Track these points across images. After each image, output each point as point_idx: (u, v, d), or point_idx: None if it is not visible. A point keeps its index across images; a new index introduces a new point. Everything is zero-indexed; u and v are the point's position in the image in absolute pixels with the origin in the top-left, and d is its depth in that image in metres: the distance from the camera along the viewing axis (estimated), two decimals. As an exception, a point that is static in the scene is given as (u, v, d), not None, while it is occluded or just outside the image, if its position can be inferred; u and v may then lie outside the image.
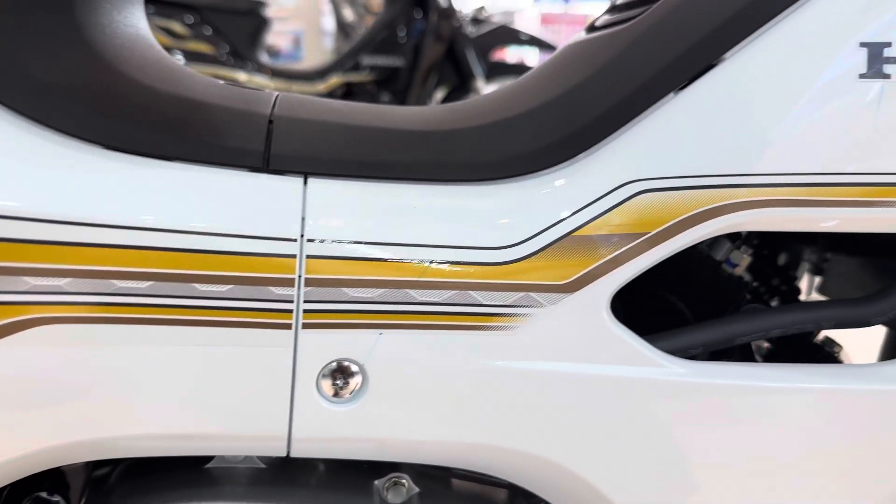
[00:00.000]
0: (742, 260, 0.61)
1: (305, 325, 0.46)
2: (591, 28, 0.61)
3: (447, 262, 0.48)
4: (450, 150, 0.52)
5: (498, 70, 3.03)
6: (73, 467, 0.57)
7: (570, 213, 0.50)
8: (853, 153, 0.48)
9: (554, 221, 0.50)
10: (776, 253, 0.82)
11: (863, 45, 0.48)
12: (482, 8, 3.23)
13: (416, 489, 0.56)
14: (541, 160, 0.51)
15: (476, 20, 3.09)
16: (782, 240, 0.79)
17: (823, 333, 0.68)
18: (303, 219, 0.47)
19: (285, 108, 0.52)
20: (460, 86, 3.02)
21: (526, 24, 4.60)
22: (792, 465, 0.52)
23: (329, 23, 4.79)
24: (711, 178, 0.49)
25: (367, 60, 2.95)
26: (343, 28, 4.16)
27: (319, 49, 4.77)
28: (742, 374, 0.51)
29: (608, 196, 0.50)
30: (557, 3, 5.65)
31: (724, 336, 0.54)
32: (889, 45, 0.48)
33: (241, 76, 2.84)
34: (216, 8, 2.85)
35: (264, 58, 3.03)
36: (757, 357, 0.66)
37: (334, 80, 2.92)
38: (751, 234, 0.65)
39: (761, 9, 0.49)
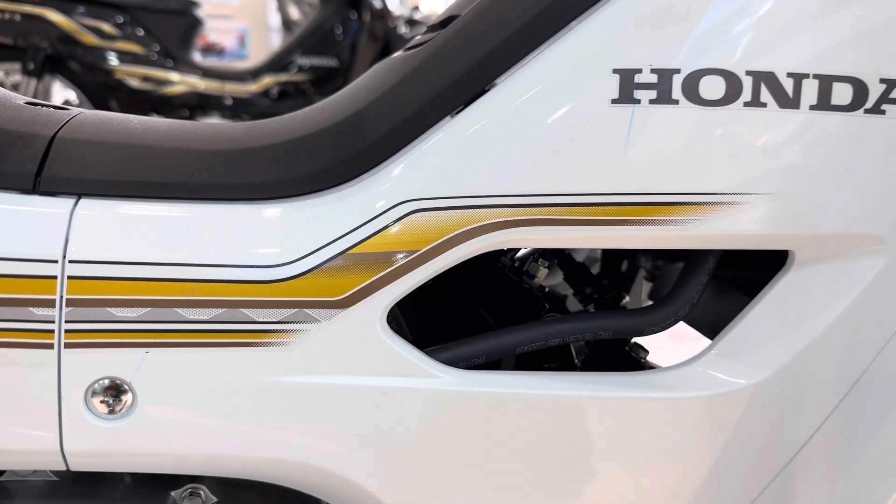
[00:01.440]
0: (539, 272, 0.63)
1: (68, 345, 0.48)
2: (407, 47, 0.63)
3: (218, 279, 0.50)
4: (232, 170, 0.53)
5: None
6: None
7: (346, 232, 0.52)
8: (604, 175, 0.51)
9: (330, 240, 0.52)
10: (618, 261, 0.85)
11: (615, 71, 0.50)
12: (416, 8, 3.25)
13: (214, 499, 0.57)
14: (319, 180, 0.53)
15: (411, 21, 3.10)
16: (616, 250, 0.82)
17: (634, 340, 0.71)
18: (66, 240, 0.48)
19: (73, 129, 0.53)
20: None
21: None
22: (551, 468, 0.54)
23: (275, 20, 4.76)
24: (475, 198, 0.51)
25: (302, 60, 2.95)
26: (288, 26, 4.14)
27: (265, 47, 4.74)
28: (506, 383, 0.53)
29: (383, 216, 0.52)
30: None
31: (502, 346, 0.57)
32: (639, 71, 0.50)
33: (173, 76, 2.81)
34: (147, 8, 2.82)
35: (198, 58, 3.01)
36: (576, 361, 0.69)
37: (267, 80, 2.92)
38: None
39: (530, 35, 0.52)
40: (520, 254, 0.69)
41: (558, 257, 0.72)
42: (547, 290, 0.67)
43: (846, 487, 0.57)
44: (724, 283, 0.64)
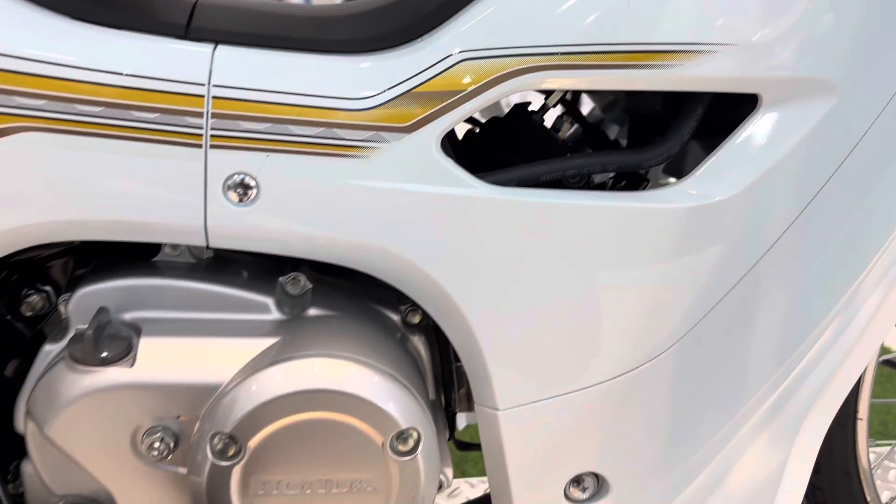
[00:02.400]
0: (563, 126, 0.80)
1: (212, 146, 0.66)
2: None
3: (319, 106, 0.67)
4: (332, 29, 0.71)
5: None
6: (58, 268, 0.78)
7: (412, 75, 0.68)
8: (608, 27, 0.66)
9: (401, 81, 0.69)
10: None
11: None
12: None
13: (310, 285, 0.76)
14: (395, 38, 0.70)
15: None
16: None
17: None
18: (210, 70, 0.66)
19: (210, -2, 0.72)
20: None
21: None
22: (566, 265, 0.71)
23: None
24: (511, 48, 0.68)
25: None
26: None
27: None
28: (529, 194, 0.70)
29: (439, 63, 0.68)
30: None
31: (530, 174, 0.73)
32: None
33: None
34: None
35: None
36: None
37: None
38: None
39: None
40: (548, 114, 0.85)
41: (581, 122, 0.88)
42: (570, 144, 0.83)
43: (804, 287, 0.72)
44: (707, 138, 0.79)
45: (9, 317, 0.76)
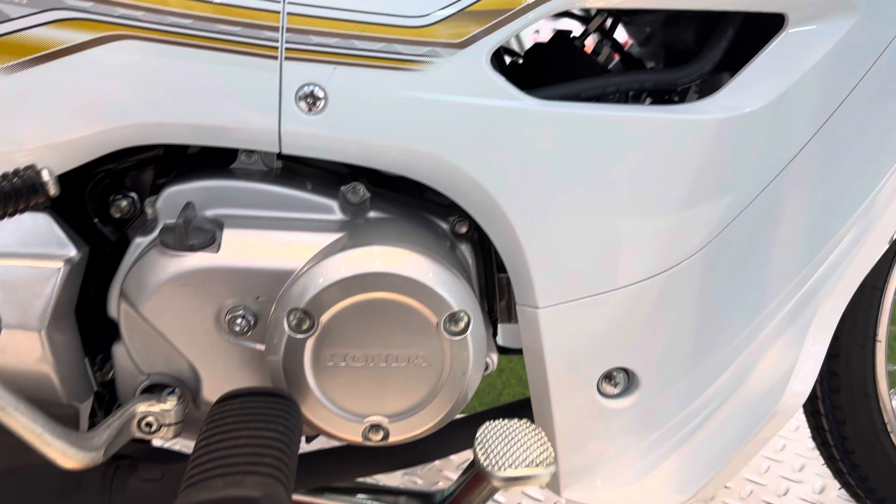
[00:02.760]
0: (603, 50, 0.86)
1: (286, 59, 0.74)
2: None
3: (381, 23, 0.75)
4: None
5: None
6: (142, 177, 0.86)
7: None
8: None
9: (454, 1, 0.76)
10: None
11: None
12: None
13: (369, 194, 0.83)
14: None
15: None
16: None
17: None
18: (286, -10, 0.74)
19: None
20: None
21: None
22: (606, 174, 0.77)
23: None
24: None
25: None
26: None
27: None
28: (569, 106, 0.77)
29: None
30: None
31: (570, 91, 0.80)
32: None
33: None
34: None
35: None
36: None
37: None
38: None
39: None
40: (587, 40, 0.92)
41: (619, 49, 0.94)
42: (609, 68, 0.90)
43: (825, 195, 0.78)
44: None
45: (96, 220, 0.85)
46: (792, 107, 0.76)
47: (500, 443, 0.69)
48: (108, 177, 0.85)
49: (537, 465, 0.66)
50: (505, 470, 0.66)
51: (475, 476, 0.70)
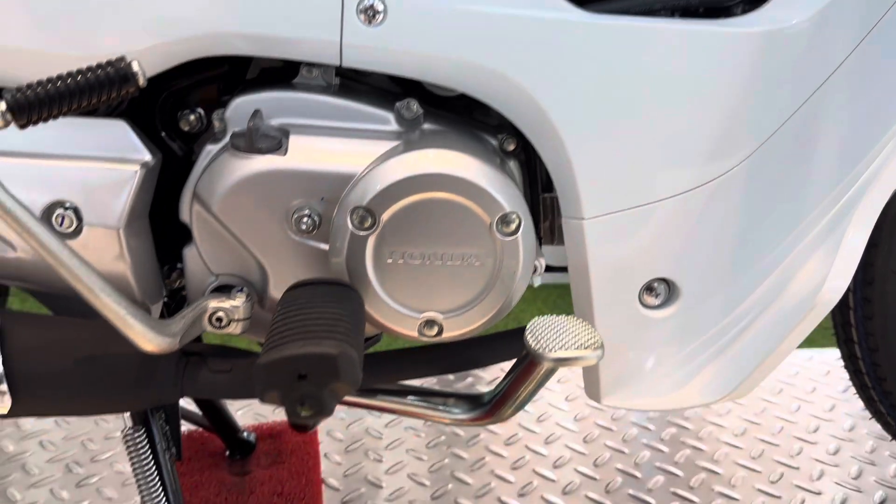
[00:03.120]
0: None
1: (348, -28, 0.78)
2: None
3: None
4: None
5: None
6: (208, 94, 0.91)
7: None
8: None
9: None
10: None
11: None
12: None
13: (422, 110, 0.87)
14: None
15: None
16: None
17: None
18: None
19: None
20: None
21: None
22: (654, 92, 0.80)
23: None
24: None
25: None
26: None
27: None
28: (619, 19, 0.80)
29: None
30: None
31: (623, 7, 0.82)
32: None
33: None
34: None
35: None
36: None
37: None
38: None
39: None
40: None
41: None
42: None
43: (866, 106, 0.81)
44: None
45: (163, 133, 0.90)
46: (837, 18, 0.78)
47: (550, 332, 0.73)
48: (176, 93, 0.89)
49: (586, 348, 0.70)
50: (556, 351, 0.70)
51: (527, 364, 0.74)
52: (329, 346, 0.60)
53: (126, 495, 1.35)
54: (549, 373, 0.74)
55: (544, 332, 0.73)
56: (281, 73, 0.88)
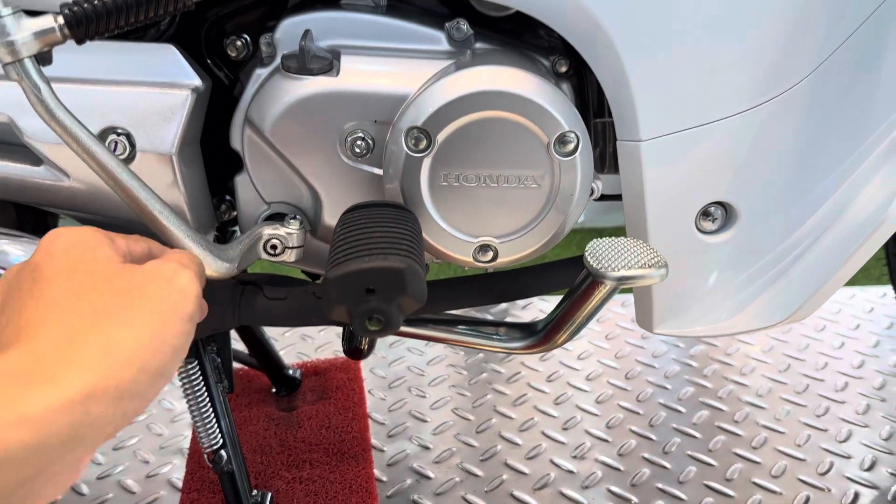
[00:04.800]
0: None
1: None
2: None
3: None
4: None
5: None
6: (253, 21, 0.89)
7: None
8: None
9: None
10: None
11: None
12: None
13: (472, 31, 0.85)
14: None
15: None
16: None
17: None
18: None
19: None
20: None
21: None
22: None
23: None
24: None
25: None
26: None
27: None
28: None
29: None
30: None
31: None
32: None
33: None
34: None
35: None
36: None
37: None
38: None
39: None
40: None
41: None
42: None
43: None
44: None
45: (208, 61, 0.88)
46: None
47: (610, 252, 0.72)
48: (222, 19, 0.88)
49: (650, 267, 0.69)
50: (619, 270, 0.69)
51: (588, 286, 0.73)
52: (396, 261, 0.59)
53: (175, 430, 1.38)
54: (609, 294, 0.73)
55: (605, 253, 0.72)
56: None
